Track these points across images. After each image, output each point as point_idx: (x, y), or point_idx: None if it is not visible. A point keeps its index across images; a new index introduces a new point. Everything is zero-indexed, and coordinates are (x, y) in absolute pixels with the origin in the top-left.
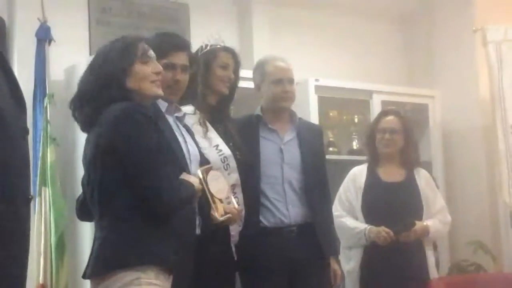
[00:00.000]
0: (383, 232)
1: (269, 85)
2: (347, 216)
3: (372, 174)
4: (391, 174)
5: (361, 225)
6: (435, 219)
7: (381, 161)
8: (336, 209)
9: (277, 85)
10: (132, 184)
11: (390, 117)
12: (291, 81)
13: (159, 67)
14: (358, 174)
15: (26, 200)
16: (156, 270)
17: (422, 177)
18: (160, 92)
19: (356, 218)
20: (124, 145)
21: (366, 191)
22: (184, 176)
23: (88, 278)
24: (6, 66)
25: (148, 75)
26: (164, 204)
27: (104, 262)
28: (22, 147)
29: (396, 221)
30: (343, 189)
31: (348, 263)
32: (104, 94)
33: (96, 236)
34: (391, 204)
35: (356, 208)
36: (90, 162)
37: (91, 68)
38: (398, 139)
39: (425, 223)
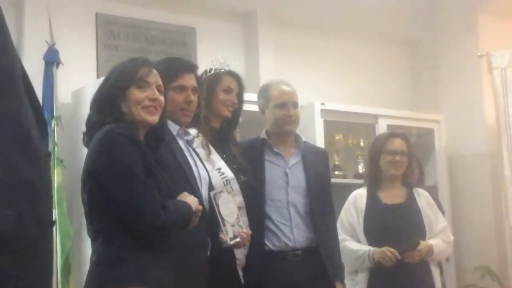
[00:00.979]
0: (387, 252)
1: (273, 109)
2: (350, 240)
3: (372, 197)
4: (391, 196)
5: (364, 247)
6: (438, 239)
7: (382, 183)
8: (339, 233)
9: (281, 109)
10: (116, 207)
11: (398, 139)
12: (295, 104)
13: (155, 94)
14: (359, 197)
15: (51, 224)
16: None
17: (422, 197)
18: (151, 119)
19: (359, 241)
20: (104, 167)
21: (367, 214)
22: (182, 196)
23: None
24: (31, 90)
25: (140, 100)
26: (147, 225)
27: (91, 286)
28: (47, 170)
29: (399, 243)
30: (344, 212)
31: (354, 287)
32: (99, 116)
33: (90, 259)
34: (393, 226)
35: (358, 231)
36: (81, 187)
37: (98, 88)
38: (406, 161)
39: (429, 243)
